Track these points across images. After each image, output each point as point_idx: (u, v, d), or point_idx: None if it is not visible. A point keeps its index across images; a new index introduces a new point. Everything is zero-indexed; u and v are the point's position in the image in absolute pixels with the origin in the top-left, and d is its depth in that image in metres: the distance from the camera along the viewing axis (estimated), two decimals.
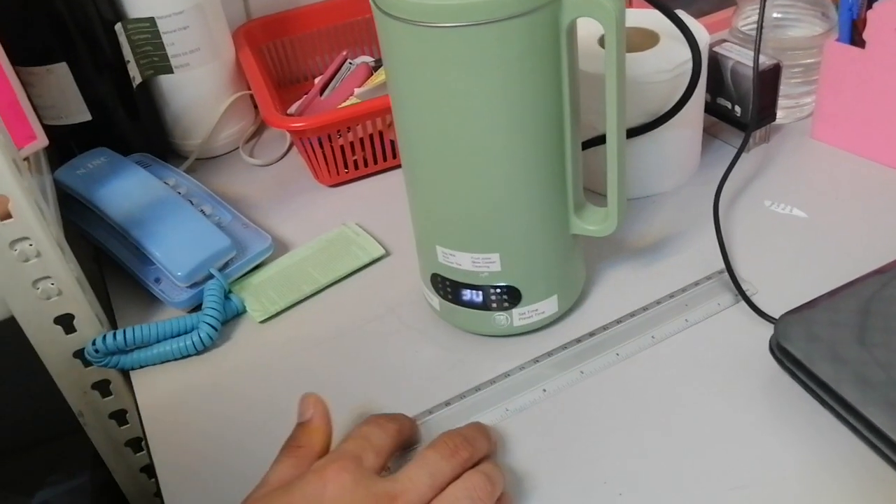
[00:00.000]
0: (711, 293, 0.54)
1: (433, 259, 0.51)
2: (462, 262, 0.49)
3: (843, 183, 0.62)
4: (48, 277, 0.51)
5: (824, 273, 0.54)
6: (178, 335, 0.55)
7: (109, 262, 0.62)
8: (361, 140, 0.67)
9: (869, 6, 0.60)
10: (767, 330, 0.50)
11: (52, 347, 0.54)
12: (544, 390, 0.48)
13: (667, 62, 0.58)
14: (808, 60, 0.67)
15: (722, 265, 0.55)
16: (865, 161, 0.63)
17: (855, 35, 0.61)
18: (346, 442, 0.40)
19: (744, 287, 0.53)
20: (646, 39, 0.60)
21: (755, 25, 0.68)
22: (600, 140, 0.58)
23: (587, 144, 0.55)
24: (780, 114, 0.65)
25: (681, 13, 0.57)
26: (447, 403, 0.48)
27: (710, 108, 0.65)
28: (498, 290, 0.50)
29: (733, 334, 0.51)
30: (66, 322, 0.53)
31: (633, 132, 0.58)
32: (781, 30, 0.69)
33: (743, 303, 0.52)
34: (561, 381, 0.49)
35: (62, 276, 0.51)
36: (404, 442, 0.43)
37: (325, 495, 0.36)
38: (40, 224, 0.49)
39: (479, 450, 0.40)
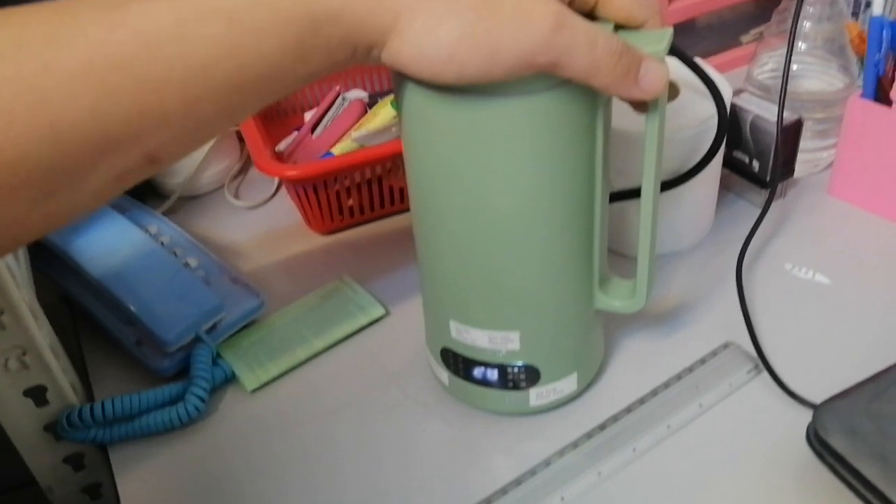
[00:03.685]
0: (733, 368, 0.50)
1: (444, 333, 0.47)
2: (478, 340, 0.45)
3: (867, 246, 0.59)
4: (18, 347, 0.46)
5: (853, 347, 0.52)
6: (162, 406, 0.51)
7: (85, 319, 0.57)
8: (359, 185, 0.63)
9: None
10: (798, 411, 0.47)
11: (20, 422, 0.49)
12: (562, 498, 0.44)
13: (690, 118, 0.54)
14: (822, 115, 0.64)
15: (741, 336, 0.52)
16: (888, 223, 0.60)
17: (880, 92, 0.58)
18: None
19: (770, 363, 0.50)
20: None
21: (772, 74, 0.66)
22: (616, 197, 0.55)
23: None
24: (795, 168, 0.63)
25: (701, 63, 0.54)
26: None
27: (726, 162, 0.62)
28: (515, 370, 0.46)
29: (761, 415, 0.48)
30: (37, 394, 0.48)
31: None
32: (796, 80, 0.66)
33: (769, 379, 0.49)
34: (581, 485, 0.45)
35: (34, 346, 0.46)
36: None
37: None
38: (11, 290, 0.44)
39: None
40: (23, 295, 0.46)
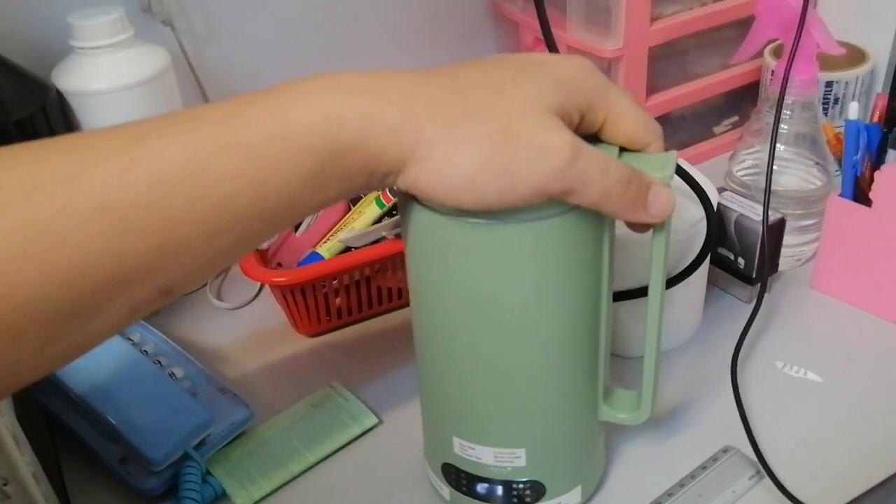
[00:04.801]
0: (735, 475, 0.50)
1: (447, 449, 0.46)
2: (482, 457, 0.44)
3: (853, 342, 0.60)
4: (0, 478, 0.44)
5: (851, 448, 0.52)
6: None
7: (64, 433, 0.55)
8: (347, 287, 0.62)
9: (874, 164, 0.59)
10: None
11: None
12: None
13: (680, 221, 0.55)
14: (801, 211, 0.66)
15: (739, 439, 0.51)
16: (872, 317, 0.61)
17: (858, 192, 0.60)
18: None
19: (772, 468, 0.49)
20: None
21: (751, 171, 0.67)
22: (618, 297, 0.55)
23: None
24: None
25: (688, 167, 0.55)
26: None
27: (711, 258, 0.63)
28: (521, 486, 0.45)
29: None
30: None
31: (643, 292, 0.55)
32: (774, 178, 0.67)
33: (772, 485, 0.49)
34: None
35: (17, 475, 0.44)
36: None
37: None
38: None
39: None
40: (5, 422, 0.44)
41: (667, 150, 0.40)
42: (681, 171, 0.53)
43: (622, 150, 0.39)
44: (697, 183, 0.53)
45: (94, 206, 0.29)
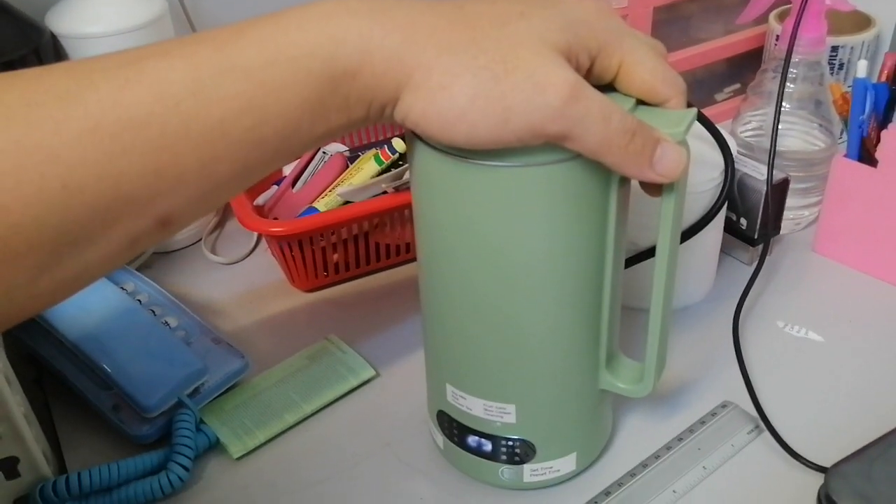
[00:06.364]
0: (734, 429, 0.50)
1: (441, 396, 0.45)
2: (473, 407, 0.44)
3: (856, 304, 0.59)
4: None
5: (850, 405, 0.51)
6: (143, 476, 0.48)
7: (55, 382, 0.54)
8: (345, 241, 0.61)
9: (881, 124, 0.58)
10: (802, 471, 0.47)
11: None
12: None
13: (699, 176, 0.54)
14: (803, 174, 0.65)
15: (737, 395, 0.51)
16: (875, 280, 0.61)
17: (863, 152, 0.59)
18: None
19: (772, 423, 0.49)
20: None
21: (755, 133, 0.66)
22: (638, 258, 0.54)
23: (627, 262, 0.50)
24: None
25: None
26: None
27: None
28: (510, 443, 0.44)
29: (765, 476, 0.47)
30: (8, 466, 0.45)
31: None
32: (778, 139, 0.67)
33: (770, 439, 0.48)
34: None
35: (8, 414, 0.43)
36: None
37: None
38: None
39: None
40: None
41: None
42: (711, 128, 0.52)
43: (640, 104, 0.36)
44: (717, 129, 0.52)
45: (89, 125, 0.28)
